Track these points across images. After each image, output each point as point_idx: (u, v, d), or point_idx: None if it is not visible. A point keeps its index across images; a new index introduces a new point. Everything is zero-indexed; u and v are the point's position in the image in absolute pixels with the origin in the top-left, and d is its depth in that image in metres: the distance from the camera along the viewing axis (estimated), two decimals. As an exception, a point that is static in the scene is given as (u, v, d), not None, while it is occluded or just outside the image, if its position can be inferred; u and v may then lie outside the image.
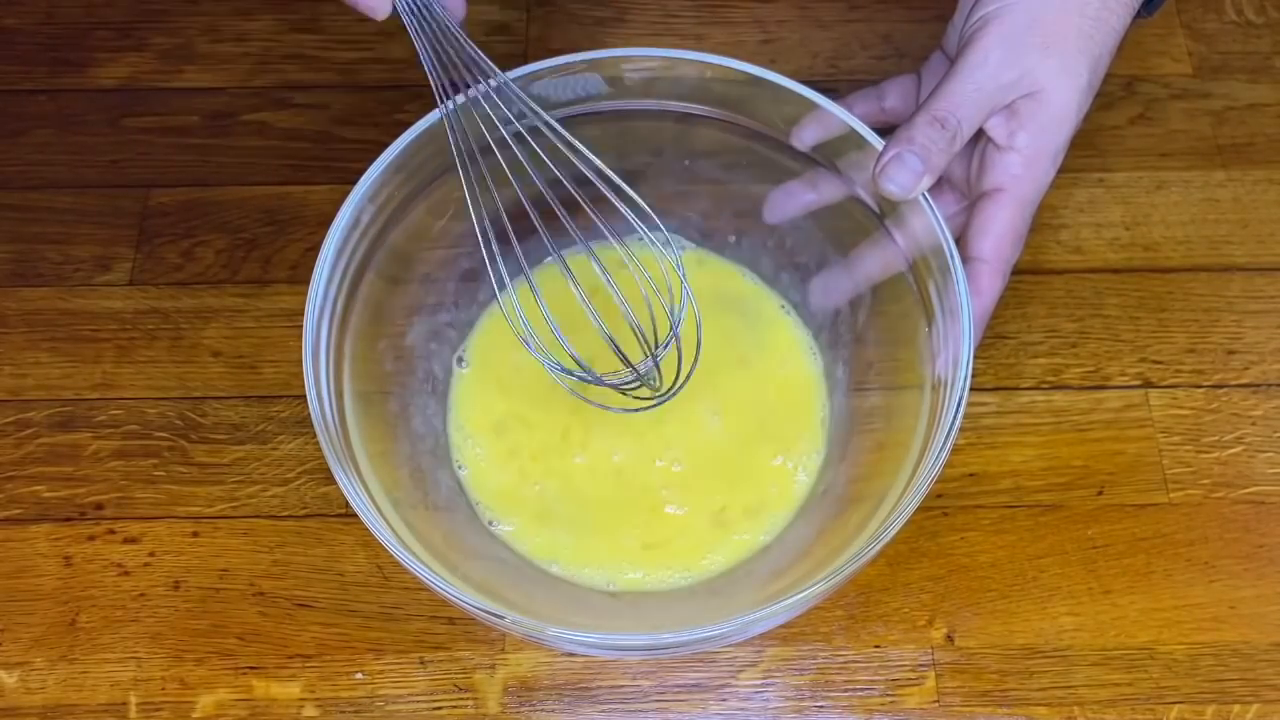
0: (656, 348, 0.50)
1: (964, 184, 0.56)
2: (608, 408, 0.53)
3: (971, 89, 0.51)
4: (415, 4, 0.49)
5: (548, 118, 0.49)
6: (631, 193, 0.48)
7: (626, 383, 0.51)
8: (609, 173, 0.48)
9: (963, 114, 0.51)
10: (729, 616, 0.45)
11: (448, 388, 0.59)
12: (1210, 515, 0.58)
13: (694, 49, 0.54)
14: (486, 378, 0.59)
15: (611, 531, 0.55)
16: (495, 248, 0.49)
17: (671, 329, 0.50)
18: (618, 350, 0.50)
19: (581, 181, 0.49)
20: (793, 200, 0.57)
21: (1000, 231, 0.53)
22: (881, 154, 0.50)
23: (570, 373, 0.51)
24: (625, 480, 0.56)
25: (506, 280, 0.49)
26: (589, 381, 0.52)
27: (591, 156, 0.48)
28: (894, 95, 0.60)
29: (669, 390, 0.52)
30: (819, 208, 0.57)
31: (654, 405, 0.52)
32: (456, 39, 0.49)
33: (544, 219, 0.50)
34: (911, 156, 0.50)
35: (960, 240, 0.53)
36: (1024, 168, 0.52)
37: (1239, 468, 0.59)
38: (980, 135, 0.53)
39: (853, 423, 0.56)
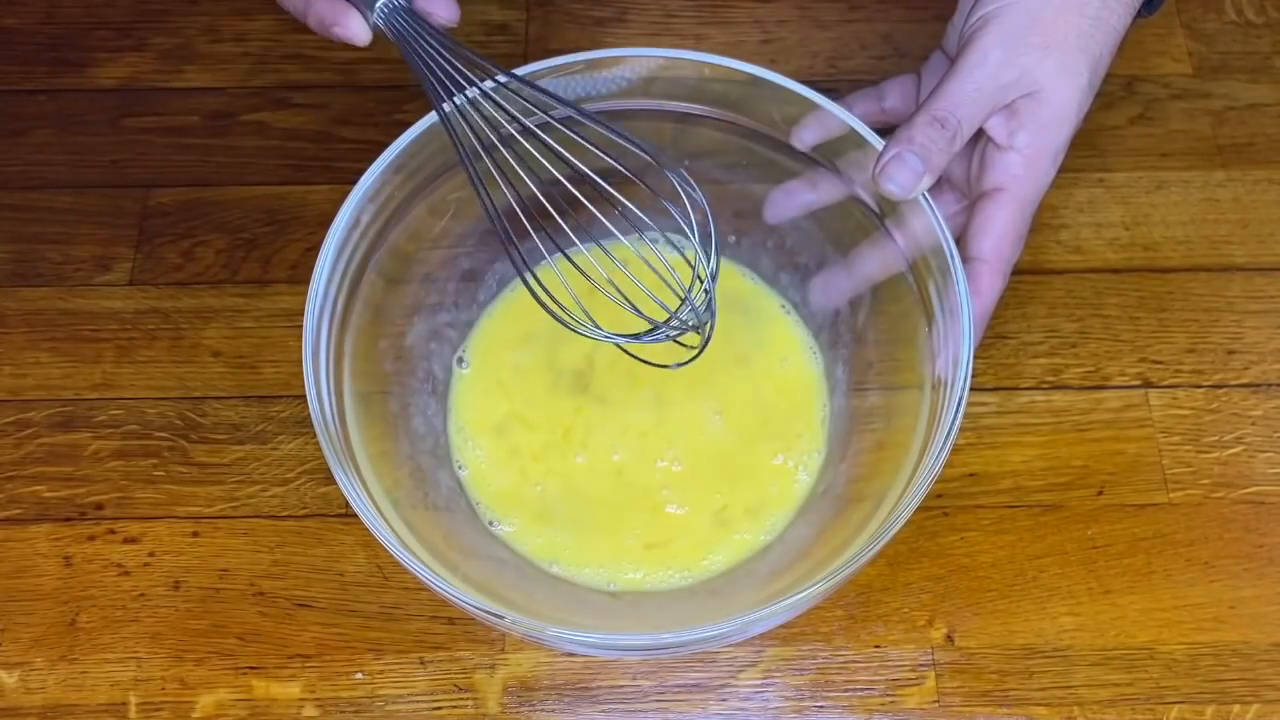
0: (707, 272, 0.48)
1: (964, 184, 0.56)
2: (663, 365, 0.52)
3: (971, 88, 0.51)
4: (400, 25, 0.48)
5: (572, 109, 0.48)
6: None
7: (680, 327, 0.49)
8: (645, 152, 0.48)
9: (963, 113, 0.51)
10: (729, 616, 0.45)
11: (448, 388, 0.59)
12: (1210, 515, 0.58)
13: (694, 49, 0.54)
14: (487, 378, 0.59)
15: (612, 531, 0.55)
16: (529, 224, 0.48)
17: (714, 250, 0.48)
18: (686, 277, 0.49)
19: (592, 173, 0.48)
20: (793, 200, 0.57)
21: (1001, 231, 0.53)
22: (881, 154, 0.50)
23: (621, 335, 0.49)
24: (626, 480, 0.56)
25: (546, 255, 0.48)
26: (636, 340, 0.50)
27: (627, 139, 0.47)
28: (894, 95, 0.60)
29: (705, 340, 0.51)
30: (819, 207, 0.57)
31: (698, 354, 0.51)
32: (450, 52, 0.48)
33: (565, 210, 0.49)
34: (911, 156, 0.50)
35: (960, 240, 0.53)
36: (1024, 167, 0.52)
37: (1239, 468, 0.59)
38: (980, 135, 0.53)
39: (853, 422, 0.56)
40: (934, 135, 0.50)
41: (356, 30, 0.49)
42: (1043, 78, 0.51)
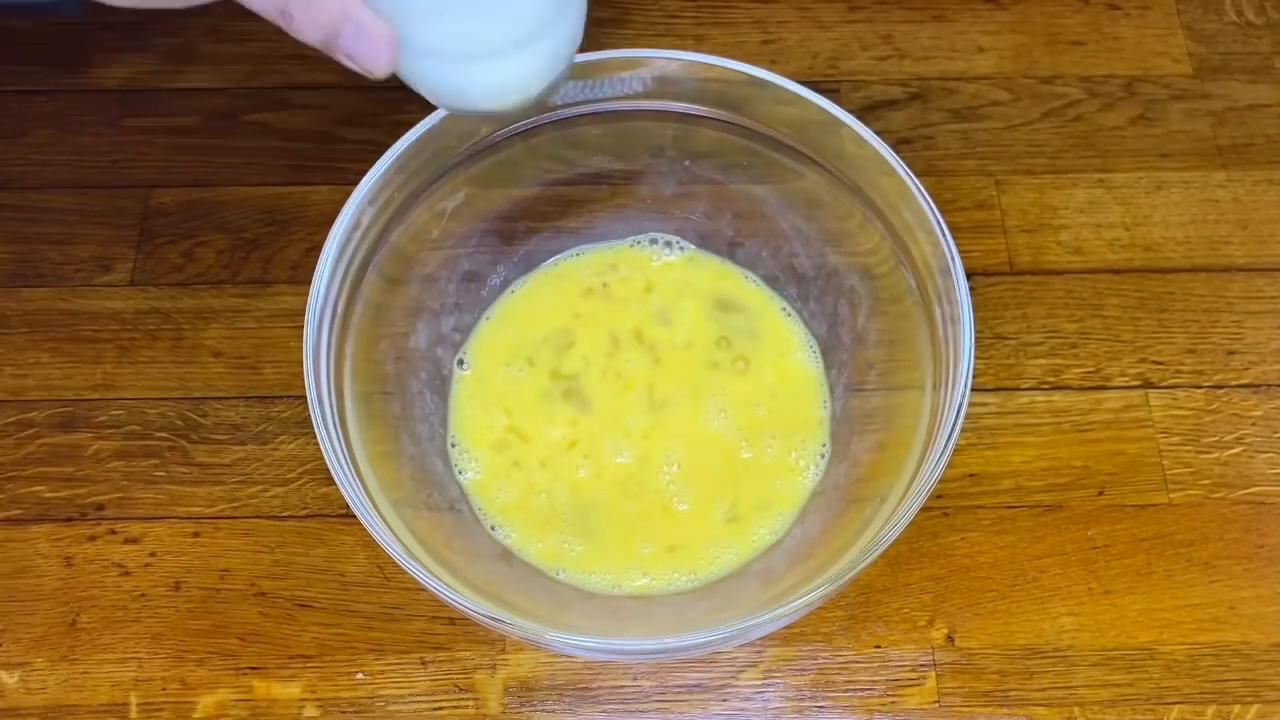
0: None
1: None
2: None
3: None
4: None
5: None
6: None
7: None
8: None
9: None
10: (730, 620, 0.45)
11: (449, 389, 0.59)
12: (1210, 515, 0.58)
13: (694, 49, 0.54)
14: (488, 380, 0.59)
15: (615, 537, 0.55)
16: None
17: None
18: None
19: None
20: None
21: None
22: None
23: None
24: (628, 487, 0.56)
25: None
26: None
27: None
28: None
29: None
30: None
31: None
32: None
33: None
34: None
35: None
36: None
37: (1239, 468, 0.59)
38: None
39: (854, 424, 0.56)
40: None
41: (376, 59, 0.43)
42: None
